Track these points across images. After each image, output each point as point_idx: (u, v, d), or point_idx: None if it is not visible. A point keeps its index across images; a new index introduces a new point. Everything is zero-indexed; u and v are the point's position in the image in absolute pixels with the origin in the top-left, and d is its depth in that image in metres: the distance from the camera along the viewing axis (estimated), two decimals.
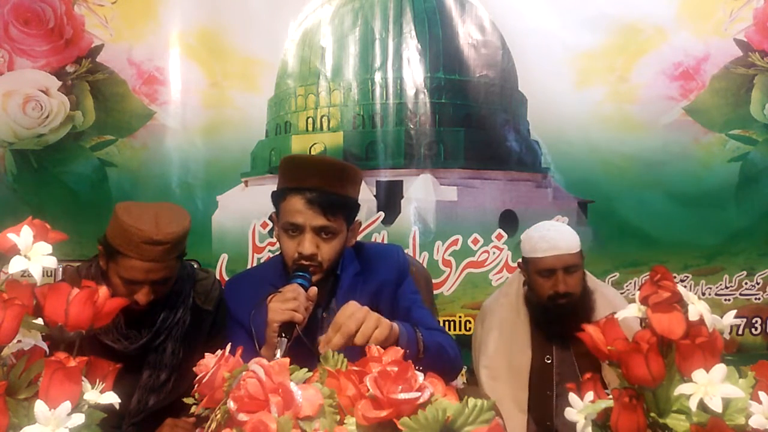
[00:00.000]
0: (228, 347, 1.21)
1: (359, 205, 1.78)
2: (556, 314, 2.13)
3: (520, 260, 2.30)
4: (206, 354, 1.21)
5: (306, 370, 1.17)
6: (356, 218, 1.78)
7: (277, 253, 1.88)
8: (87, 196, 3.17)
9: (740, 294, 3.12)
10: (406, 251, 3.06)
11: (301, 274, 1.63)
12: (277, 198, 1.72)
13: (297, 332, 1.52)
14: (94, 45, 3.17)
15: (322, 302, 1.74)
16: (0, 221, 1.39)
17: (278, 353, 1.47)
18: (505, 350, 2.24)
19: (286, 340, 1.49)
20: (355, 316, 1.45)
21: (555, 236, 2.17)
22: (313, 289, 1.60)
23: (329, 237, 1.67)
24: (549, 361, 2.20)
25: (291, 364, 1.44)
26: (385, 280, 1.80)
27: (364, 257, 1.82)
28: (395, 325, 1.52)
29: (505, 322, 2.27)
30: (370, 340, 1.42)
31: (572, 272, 2.15)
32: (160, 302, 1.80)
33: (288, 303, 1.53)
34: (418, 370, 1.51)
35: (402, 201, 3.14)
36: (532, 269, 2.19)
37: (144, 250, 1.67)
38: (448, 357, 1.65)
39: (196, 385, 1.18)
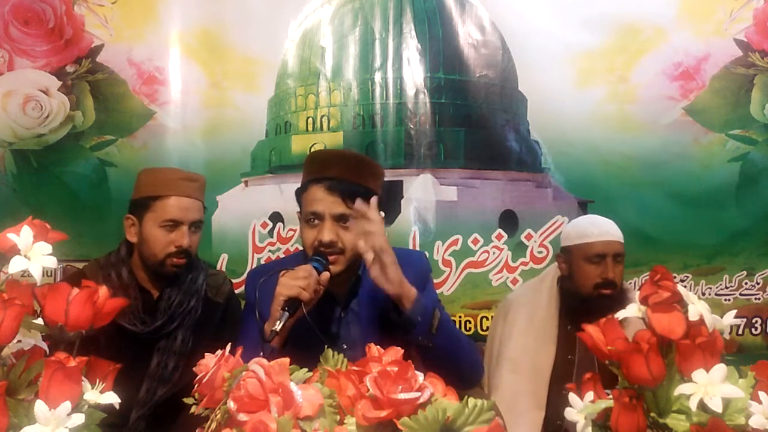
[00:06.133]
0: (228, 347, 1.21)
1: (381, 200, 1.75)
2: (598, 305, 2.04)
3: (558, 253, 2.29)
4: (206, 354, 1.21)
5: (306, 370, 1.17)
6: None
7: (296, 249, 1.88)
8: (87, 196, 3.17)
9: (740, 294, 3.11)
10: None
11: (317, 257, 1.63)
12: (300, 192, 1.74)
13: (302, 311, 1.54)
14: (94, 45, 3.16)
15: (341, 301, 1.76)
16: (0, 221, 1.39)
17: (278, 325, 1.49)
18: (529, 345, 2.21)
19: (287, 313, 1.51)
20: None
21: (605, 223, 2.20)
22: (326, 275, 1.61)
23: (349, 225, 1.66)
24: (571, 360, 2.18)
25: (298, 348, 1.50)
26: None
27: None
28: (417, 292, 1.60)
29: (535, 316, 2.25)
30: (388, 267, 1.54)
31: (619, 262, 2.15)
32: (177, 288, 1.93)
33: (298, 280, 1.55)
34: (428, 352, 1.57)
35: (402, 201, 3.14)
36: (578, 256, 2.17)
37: (181, 186, 1.93)
38: (465, 353, 1.68)
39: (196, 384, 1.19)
